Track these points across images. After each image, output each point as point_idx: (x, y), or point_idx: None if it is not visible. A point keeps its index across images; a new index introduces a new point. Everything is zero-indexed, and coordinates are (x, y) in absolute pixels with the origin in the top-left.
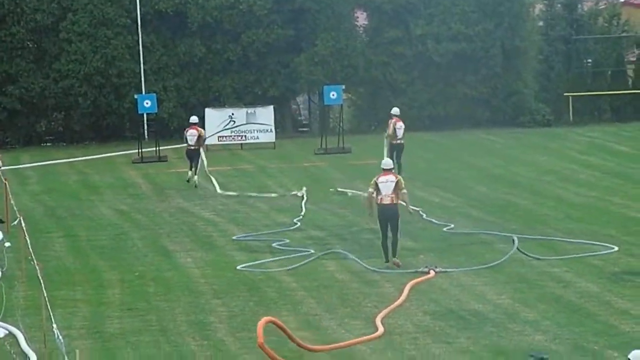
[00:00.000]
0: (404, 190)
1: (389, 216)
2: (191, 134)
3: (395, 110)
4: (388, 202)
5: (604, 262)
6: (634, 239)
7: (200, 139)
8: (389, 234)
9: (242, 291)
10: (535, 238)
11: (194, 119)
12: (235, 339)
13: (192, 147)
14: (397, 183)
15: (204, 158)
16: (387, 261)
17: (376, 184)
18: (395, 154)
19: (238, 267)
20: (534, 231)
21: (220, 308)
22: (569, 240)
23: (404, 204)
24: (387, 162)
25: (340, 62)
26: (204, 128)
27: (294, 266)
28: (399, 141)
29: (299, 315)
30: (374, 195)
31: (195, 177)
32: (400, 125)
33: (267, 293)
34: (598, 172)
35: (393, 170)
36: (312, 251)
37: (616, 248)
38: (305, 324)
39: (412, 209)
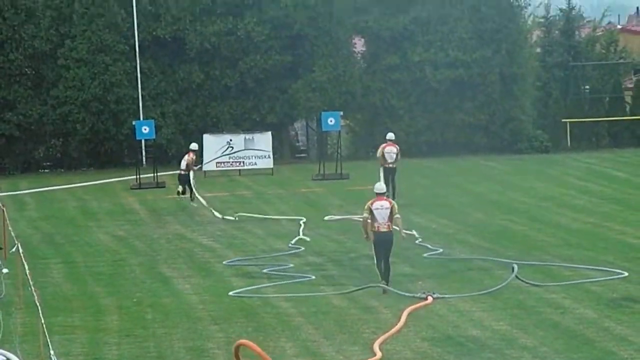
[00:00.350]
0: (397, 215)
1: (385, 242)
2: (184, 159)
3: (390, 136)
4: (385, 229)
5: (602, 288)
6: (632, 265)
7: (189, 164)
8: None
9: (240, 317)
10: (534, 264)
11: (193, 146)
12: None
13: (182, 172)
14: (391, 209)
15: (191, 179)
16: (383, 279)
17: (371, 210)
18: (389, 178)
19: (230, 294)
20: (531, 257)
21: (218, 334)
22: (576, 266)
23: (397, 228)
24: (380, 187)
25: (338, 89)
26: (201, 155)
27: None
28: (389, 165)
29: (297, 342)
30: (369, 220)
31: (193, 202)
32: (391, 149)
33: (264, 319)
34: (596, 198)
35: (386, 195)
36: (313, 277)
37: (626, 274)
38: (304, 350)
39: (405, 234)
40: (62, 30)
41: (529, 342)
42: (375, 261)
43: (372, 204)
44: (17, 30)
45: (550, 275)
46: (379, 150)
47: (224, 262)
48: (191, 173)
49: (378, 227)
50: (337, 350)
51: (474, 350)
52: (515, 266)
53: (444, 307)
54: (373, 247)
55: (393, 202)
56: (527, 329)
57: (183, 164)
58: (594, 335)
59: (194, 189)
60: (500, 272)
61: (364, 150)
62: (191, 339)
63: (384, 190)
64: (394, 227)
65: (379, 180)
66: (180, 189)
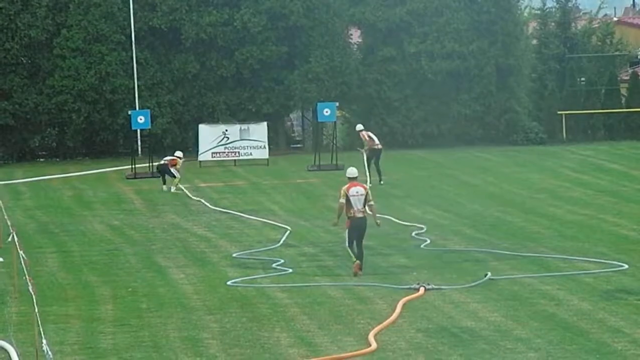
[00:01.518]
0: (372, 202)
1: (360, 228)
2: (168, 157)
3: (359, 126)
4: (360, 215)
5: (597, 280)
6: (626, 257)
7: (171, 165)
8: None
9: (235, 307)
10: (530, 255)
11: (178, 153)
12: (227, 355)
13: (163, 162)
14: (366, 196)
15: (175, 174)
16: (356, 260)
17: (347, 196)
18: (374, 160)
19: (228, 283)
20: (526, 249)
21: (213, 324)
22: (578, 258)
23: (371, 214)
24: (352, 171)
25: (334, 80)
26: (197, 145)
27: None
28: (377, 146)
29: (292, 332)
30: (345, 205)
31: (164, 186)
32: (370, 133)
33: (259, 309)
34: (591, 190)
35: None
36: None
37: (626, 266)
38: (299, 341)
39: (379, 220)
40: (58, 19)
41: (524, 333)
42: (347, 243)
43: (347, 189)
44: (13, 19)
45: (545, 267)
46: (365, 137)
47: (233, 255)
48: (173, 171)
49: (354, 213)
50: (332, 340)
51: (469, 341)
52: (489, 274)
53: (438, 298)
54: (347, 232)
55: (367, 188)
56: (521, 320)
57: (167, 158)
58: (588, 326)
59: (175, 177)
60: (495, 263)
61: (360, 141)
62: (186, 328)
63: (357, 174)
64: (368, 212)
65: (365, 168)
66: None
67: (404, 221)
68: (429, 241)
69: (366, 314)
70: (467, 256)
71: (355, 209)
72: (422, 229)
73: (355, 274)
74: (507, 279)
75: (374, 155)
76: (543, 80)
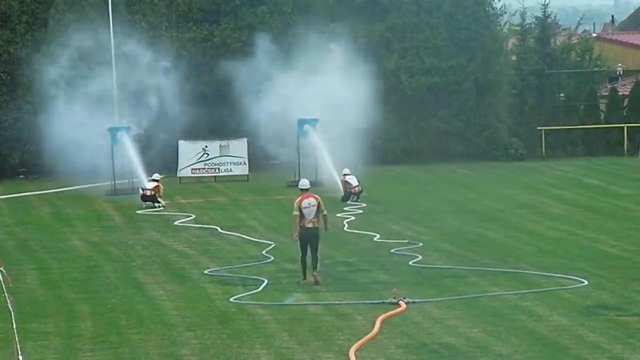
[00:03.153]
0: (325, 212)
1: (310, 238)
2: (150, 183)
3: (346, 170)
4: (310, 226)
5: (576, 296)
6: (605, 273)
7: (156, 193)
8: (309, 254)
9: (215, 324)
10: (507, 271)
11: (156, 176)
12: None
13: (147, 191)
14: (318, 206)
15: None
16: (305, 278)
17: (299, 208)
18: (354, 198)
19: (231, 300)
20: (506, 264)
21: (193, 341)
22: (540, 273)
23: (324, 223)
24: (304, 183)
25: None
26: (177, 162)
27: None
28: (355, 189)
29: (272, 349)
30: (298, 218)
31: (157, 204)
32: (349, 178)
33: (239, 326)
34: (570, 205)
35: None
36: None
37: (586, 282)
38: (279, 357)
39: (330, 226)
40: (38, 36)
41: (503, 349)
42: (301, 255)
43: (300, 202)
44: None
45: (525, 283)
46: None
47: (205, 272)
48: (160, 200)
49: (304, 223)
50: (312, 357)
51: (449, 358)
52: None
53: (418, 314)
54: (299, 243)
55: (319, 198)
56: (501, 336)
57: (149, 185)
58: (567, 342)
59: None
60: (476, 279)
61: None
62: (165, 345)
63: (309, 186)
64: (321, 223)
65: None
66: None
67: (400, 238)
68: (420, 257)
69: (346, 330)
70: (447, 272)
71: (307, 219)
72: (416, 244)
73: (316, 282)
74: (488, 296)
75: (350, 195)
76: (522, 96)
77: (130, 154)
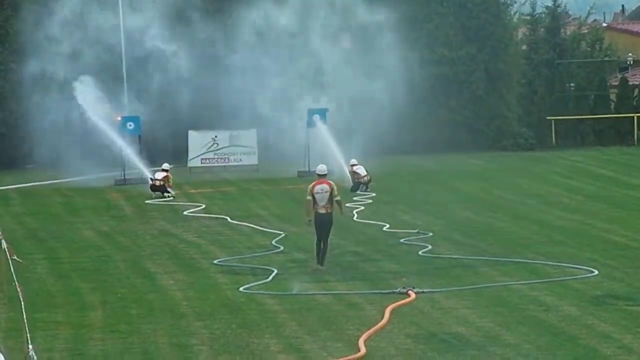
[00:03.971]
0: (338, 198)
1: (324, 224)
2: (158, 173)
3: (353, 161)
4: (323, 211)
5: (585, 286)
6: (615, 263)
7: (165, 182)
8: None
9: (224, 314)
10: (516, 261)
11: (165, 166)
12: None
13: (156, 181)
14: (331, 192)
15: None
16: (319, 263)
17: (312, 193)
18: (363, 188)
19: (241, 289)
20: (516, 254)
21: (203, 330)
22: (549, 263)
23: (339, 209)
24: (321, 168)
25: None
26: (187, 151)
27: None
28: (364, 178)
29: (281, 338)
30: (312, 202)
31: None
32: (357, 168)
33: (249, 315)
34: (580, 195)
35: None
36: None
37: (596, 272)
38: (288, 347)
39: (345, 213)
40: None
41: (513, 339)
42: (316, 239)
43: (313, 187)
44: (3, 25)
45: (535, 273)
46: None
47: (214, 262)
48: (170, 190)
49: (317, 209)
50: (321, 346)
51: (458, 347)
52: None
53: (427, 304)
54: (314, 227)
55: (333, 184)
56: (510, 326)
57: (159, 175)
58: (577, 332)
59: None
60: (485, 269)
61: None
62: (175, 334)
63: (326, 172)
64: (335, 209)
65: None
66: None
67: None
68: (429, 247)
69: (355, 320)
70: (457, 262)
71: (319, 205)
72: (426, 234)
73: (317, 270)
74: (498, 285)
75: (359, 185)
76: (532, 85)
77: None
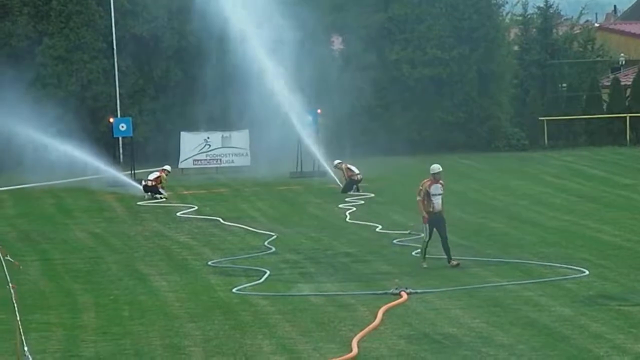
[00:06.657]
0: (419, 198)
1: (440, 221)
2: (153, 174)
3: (337, 161)
4: (439, 209)
5: (578, 286)
6: (608, 263)
7: (157, 182)
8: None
9: (217, 315)
10: (509, 261)
11: (167, 167)
12: None
13: (149, 182)
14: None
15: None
16: (450, 261)
17: (427, 192)
18: (355, 189)
19: (234, 290)
20: (508, 255)
21: (195, 332)
22: (542, 263)
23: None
24: (435, 167)
25: (315, 87)
26: (179, 152)
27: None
28: (357, 176)
29: (274, 339)
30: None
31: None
32: (349, 165)
33: (242, 317)
34: (573, 196)
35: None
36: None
37: (587, 272)
38: (281, 348)
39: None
40: (40, 28)
41: (506, 339)
42: (428, 239)
43: (429, 186)
44: None
45: (528, 273)
46: (344, 171)
47: (208, 263)
48: (162, 190)
49: (434, 206)
50: (314, 347)
51: (451, 348)
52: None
53: (420, 304)
54: (427, 226)
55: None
56: (503, 326)
57: (152, 176)
58: (570, 332)
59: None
60: (478, 269)
61: (340, 148)
62: (168, 336)
63: (440, 169)
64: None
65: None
66: (156, 195)
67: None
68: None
69: (348, 321)
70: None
71: (434, 202)
72: (419, 235)
73: (458, 264)
74: (490, 286)
75: (353, 184)
76: (525, 86)
77: None
